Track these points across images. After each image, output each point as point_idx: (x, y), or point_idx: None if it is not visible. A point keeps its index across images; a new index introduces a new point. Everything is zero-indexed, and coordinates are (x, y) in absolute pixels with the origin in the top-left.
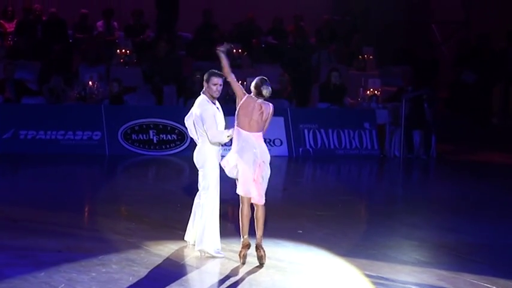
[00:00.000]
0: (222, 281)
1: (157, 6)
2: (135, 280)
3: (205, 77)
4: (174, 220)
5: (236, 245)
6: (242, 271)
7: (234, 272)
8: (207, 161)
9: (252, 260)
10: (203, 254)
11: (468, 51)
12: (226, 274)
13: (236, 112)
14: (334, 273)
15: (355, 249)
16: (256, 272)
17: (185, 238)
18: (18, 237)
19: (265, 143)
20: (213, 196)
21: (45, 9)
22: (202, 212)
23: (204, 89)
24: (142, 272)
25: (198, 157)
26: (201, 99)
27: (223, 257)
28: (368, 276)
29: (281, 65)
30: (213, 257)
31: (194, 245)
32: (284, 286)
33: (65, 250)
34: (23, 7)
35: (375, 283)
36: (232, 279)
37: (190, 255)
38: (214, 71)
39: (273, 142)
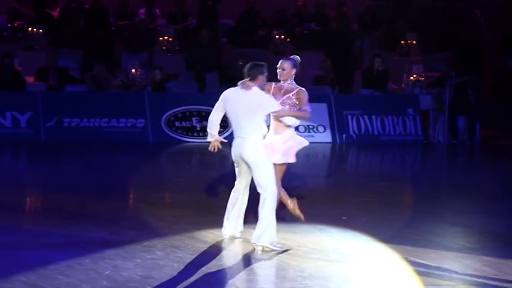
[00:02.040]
0: (266, 268)
1: None
2: (180, 266)
3: (260, 70)
4: (217, 207)
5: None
6: (286, 258)
7: (278, 259)
8: (262, 157)
9: (296, 247)
10: (260, 249)
11: None
12: (270, 261)
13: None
14: (378, 260)
15: (399, 236)
16: (300, 259)
17: (223, 232)
18: (63, 224)
19: (309, 129)
20: (274, 192)
21: None
22: (263, 209)
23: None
24: (187, 258)
25: (251, 152)
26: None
27: (280, 250)
28: (412, 262)
29: (324, 51)
30: (272, 250)
31: (231, 238)
32: (328, 272)
33: (109, 237)
34: None
35: (419, 269)
36: (277, 266)
37: (235, 242)
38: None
39: (317, 128)
